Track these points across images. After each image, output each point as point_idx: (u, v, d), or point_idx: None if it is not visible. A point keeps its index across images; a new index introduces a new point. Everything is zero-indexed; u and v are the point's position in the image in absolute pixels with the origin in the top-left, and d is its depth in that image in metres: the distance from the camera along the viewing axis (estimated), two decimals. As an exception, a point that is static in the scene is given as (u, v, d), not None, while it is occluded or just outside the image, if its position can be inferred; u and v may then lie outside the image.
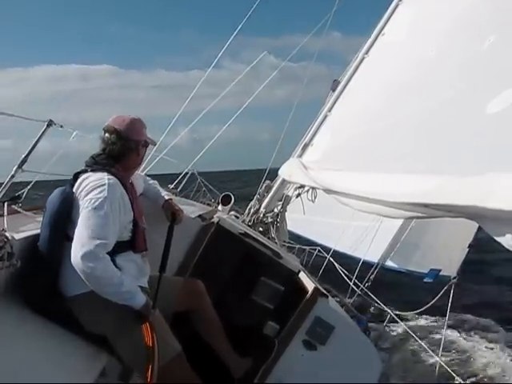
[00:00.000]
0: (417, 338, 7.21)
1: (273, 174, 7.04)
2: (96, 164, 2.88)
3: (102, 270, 2.56)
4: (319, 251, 10.60)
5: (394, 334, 9.68)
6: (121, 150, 2.92)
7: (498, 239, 1.86)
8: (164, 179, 5.69)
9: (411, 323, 10.35)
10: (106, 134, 2.93)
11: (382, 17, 5.26)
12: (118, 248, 2.76)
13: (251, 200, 6.68)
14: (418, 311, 8.92)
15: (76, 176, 2.88)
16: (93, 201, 2.65)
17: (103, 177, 2.76)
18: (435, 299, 8.45)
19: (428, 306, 8.69)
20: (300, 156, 5.18)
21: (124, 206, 2.82)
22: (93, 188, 2.70)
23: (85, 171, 2.87)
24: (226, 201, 7.10)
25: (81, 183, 2.79)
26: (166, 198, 3.55)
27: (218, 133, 9.02)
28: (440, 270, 9.43)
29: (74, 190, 2.80)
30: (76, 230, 2.63)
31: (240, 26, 8.78)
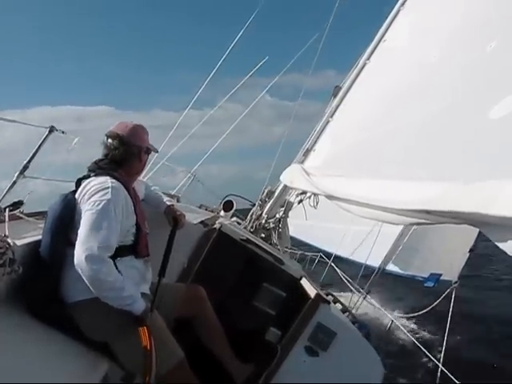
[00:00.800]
0: (418, 344, 7.20)
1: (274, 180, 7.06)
2: (99, 169, 2.88)
3: (105, 273, 2.56)
4: (321, 257, 10.62)
5: (396, 339, 9.65)
6: (123, 156, 2.93)
7: (501, 246, 1.86)
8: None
9: (412, 328, 10.34)
10: (109, 140, 2.94)
11: (383, 23, 5.26)
12: (120, 252, 2.75)
13: (253, 206, 6.67)
14: (419, 315, 8.91)
15: (79, 181, 2.89)
16: (96, 203, 2.65)
17: (106, 180, 2.76)
18: (436, 303, 8.44)
19: (429, 309, 8.69)
20: (302, 162, 5.17)
21: (127, 210, 2.82)
22: (96, 191, 2.70)
23: (88, 176, 2.87)
24: (227, 207, 7.10)
25: (84, 187, 2.79)
26: (168, 203, 3.56)
27: (222, 137, 9.01)
28: (441, 275, 9.43)
29: (76, 195, 2.80)
30: (79, 232, 2.62)
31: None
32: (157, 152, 3.36)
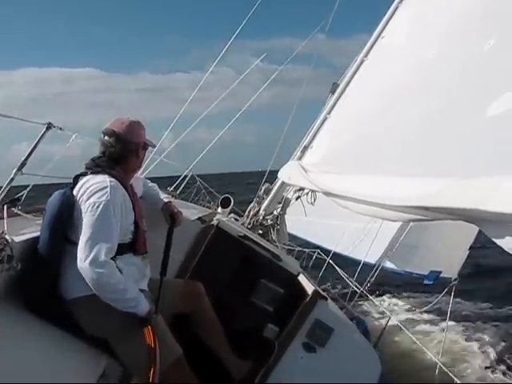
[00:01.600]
0: (416, 341, 7.20)
1: (272, 176, 7.05)
2: (96, 166, 2.88)
3: (108, 275, 2.56)
4: (319, 253, 10.61)
5: (394, 335, 9.66)
6: (121, 153, 2.92)
7: (499, 242, 1.86)
8: (163, 182, 5.69)
9: (411, 325, 10.34)
10: (106, 137, 2.93)
11: (381, 19, 5.26)
12: (119, 250, 2.75)
13: (251, 202, 6.68)
14: (419, 312, 8.94)
15: (76, 178, 2.88)
16: (96, 204, 2.65)
17: (104, 179, 2.76)
18: (435, 301, 8.47)
19: (428, 307, 8.72)
20: (299, 158, 5.18)
21: (126, 208, 2.82)
22: (95, 191, 2.69)
23: (85, 174, 2.87)
24: (225, 203, 7.11)
25: (82, 186, 2.78)
26: (165, 200, 3.56)
27: (218, 135, 8.98)
28: (440, 272, 9.44)
29: (74, 192, 2.80)
30: (81, 235, 2.62)
31: (237, 31, 8.79)
32: (154, 147, 3.35)
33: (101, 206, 2.64)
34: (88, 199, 2.68)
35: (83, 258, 2.55)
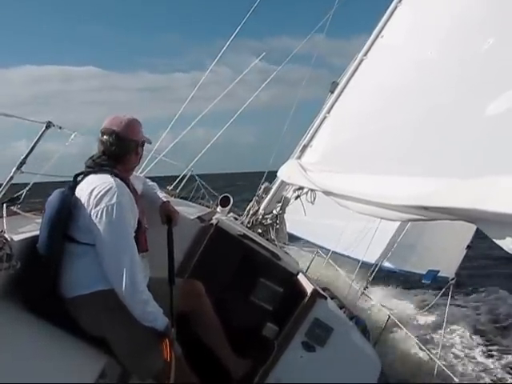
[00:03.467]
0: (415, 339, 7.24)
1: (271, 175, 7.05)
2: (97, 166, 2.88)
3: (137, 283, 2.62)
4: (318, 253, 10.62)
5: (393, 335, 9.67)
6: (121, 151, 2.92)
7: (498, 242, 1.86)
8: (163, 182, 5.69)
9: (410, 324, 10.36)
10: (105, 136, 2.92)
11: (380, 18, 5.26)
12: None
13: (250, 201, 6.68)
14: (417, 312, 8.95)
15: (76, 177, 2.88)
16: (109, 208, 2.64)
17: (108, 179, 2.75)
18: (434, 300, 8.48)
19: (427, 306, 8.73)
20: (299, 157, 5.18)
21: (132, 206, 2.82)
22: (103, 194, 2.67)
23: (86, 173, 2.86)
24: (224, 202, 7.10)
25: (86, 187, 2.76)
26: (164, 200, 3.55)
27: (217, 134, 8.96)
28: (438, 271, 9.47)
29: (76, 191, 2.79)
30: (101, 241, 2.63)
31: (237, 31, 8.77)
32: (150, 143, 3.33)
33: (114, 208, 2.64)
34: (98, 204, 2.66)
35: (112, 266, 2.60)
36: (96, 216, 2.65)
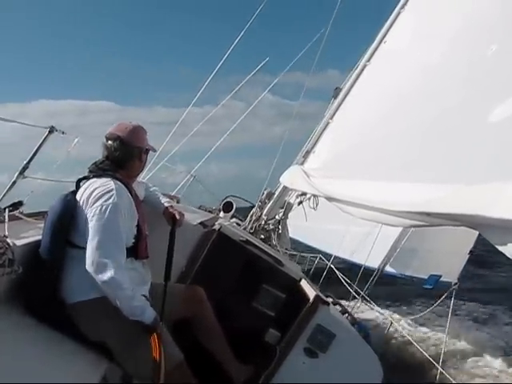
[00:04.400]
0: (417, 346, 7.20)
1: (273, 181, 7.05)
2: (99, 170, 2.88)
3: (118, 280, 2.57)
4: (320, 258, 10.61)
5: (395, 340, 9.65)
6: (124, 157, 2.92)
7: (500, 248, 1.86)
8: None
9: (412, 329, 10.34)
10: (109, 142, 2.92)
11: (383, 24, 5.26)
12: None
13: (253, 207, 6.68)
14: (419, 316, 8.93)
15: (79, 182, 2.88)
16: (103, 208, 2.64)
17: (109, 182, 2.75)
18: (436, 305, 8.45)
19: (428, 311, 8.70)
20: (302, 163, 5.19)
21: (130, 212, 2.82)
22: (101, 194, 2.68)
23: (88, 177, 2.87)
24: (227, 208, 7.10)
25: (86, 189, 2.77)
26: (167, 205, 3.55)
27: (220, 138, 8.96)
28: (440, 276, 9.46)
29: (77, 196, 2.79)
30: (90, 239, 2.61)
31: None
32: (155, 151, 3.34)
33: (108, 209, 2.64)
34: (94, 203, 2.67)
35: (93, 263, 2.56)
36: (90, 214, 2.66)
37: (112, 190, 2.69)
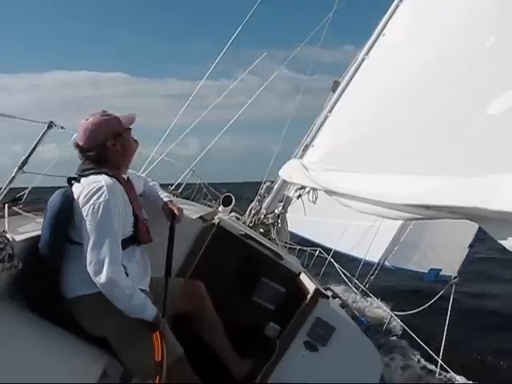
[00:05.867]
0: (417, 339, 7.22)
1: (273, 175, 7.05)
2: (85, 171, 2.84)
3: (116, 280, 2.57)
4: (320, 252, 10.62)
5: (395, 334, 9.68)
6: (99, 155, 2.85)
7: (500, 241, 1.86)
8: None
9: (412, 323, 10.35)
10: (77, 150, 2.87)
11: (382, 17, 5.25)
12: (122, 245, 2.74)
13: (252, 201, 6.68)
14: (419, 311, 8.94)
15: (70, 181, 2.86)
16: (96, 206, 2.62)
17: (99, 179, 2.72)
18: (435, 298, 8.47)
19: (428, 305, 8.72)
20: (301, 157, 5.18)
21: (124, 203, 2.80)
22: (92, 194, 2.66)
23: (77, 178, 2.84)
24: (226, 202, 7.10)
25: (77, 189, 2.76)
26: (166, 199, 3.53)
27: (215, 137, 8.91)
28: (440, 270, 9.47)
29: (73, 192, 2.78)
30: (86, 239, 2.61)
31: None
32: (132, 122, 3.11)
33: (100, 207, 2.62)
34: (87, 202, 2.65)
35: (91, 263, 2.56)
36: (84, 214, 2.65)
37: (102, 188, 2.67)
